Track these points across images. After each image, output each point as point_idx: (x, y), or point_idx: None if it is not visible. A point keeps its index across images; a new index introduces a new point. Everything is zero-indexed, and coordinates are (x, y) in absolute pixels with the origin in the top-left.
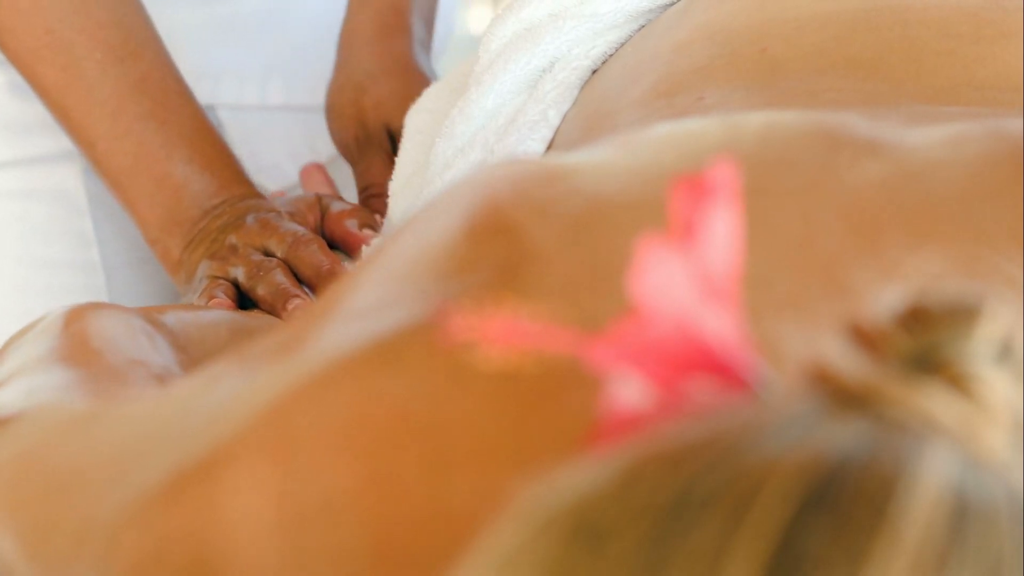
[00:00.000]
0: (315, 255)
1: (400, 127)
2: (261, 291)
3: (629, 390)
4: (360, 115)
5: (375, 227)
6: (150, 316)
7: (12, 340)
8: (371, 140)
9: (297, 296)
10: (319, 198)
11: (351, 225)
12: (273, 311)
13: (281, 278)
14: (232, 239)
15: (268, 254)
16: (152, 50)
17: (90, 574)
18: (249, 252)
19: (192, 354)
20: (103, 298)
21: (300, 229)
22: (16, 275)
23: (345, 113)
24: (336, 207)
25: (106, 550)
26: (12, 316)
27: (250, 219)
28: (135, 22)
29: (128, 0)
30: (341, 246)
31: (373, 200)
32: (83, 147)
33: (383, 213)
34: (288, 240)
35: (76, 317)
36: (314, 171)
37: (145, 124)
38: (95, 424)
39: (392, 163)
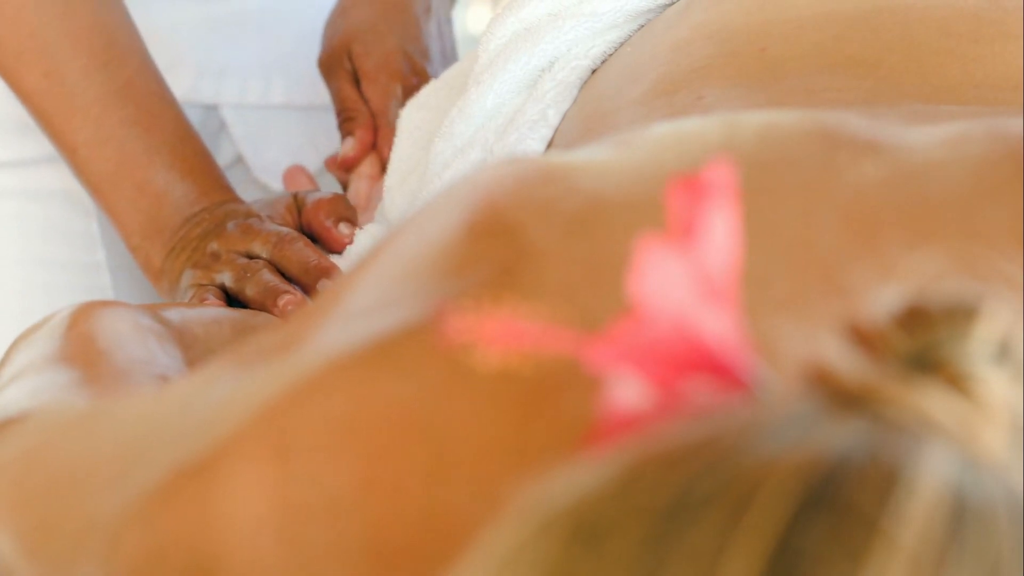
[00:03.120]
0: (301, 252)
1: (361, 53)
2: (250, 292)
3: (628, 390)
4: (331, 40)
5: (352, 219)
6: (157, 314)
7: (19, 339)
8: (334, 62)
9: (287, 292)
10: (295, 196)
11: (326, 222)
12: (264, 310)
13: (269, 276)
14: (214, 246)
15: (252, 257)
16: (136, 55)
17: (92, 574)
18: (233, 257)
19: (197, 351)
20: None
21: (283, 229)
22: (19, 276)
23: (325, 36)
24: (311, 199)
25: (108, 550)
26: (16, 317)
27: (231, 225)
28: (119, 27)
29: (112, 5)
30: (319, 242)
31: (346, 123)
32: (64, 152)
33: (355, 135)
34: (272, 241)
35: (83, 316)
36: (297, 172)
37: (128, 130)
38: (96, 424)
39: (355, 83)
